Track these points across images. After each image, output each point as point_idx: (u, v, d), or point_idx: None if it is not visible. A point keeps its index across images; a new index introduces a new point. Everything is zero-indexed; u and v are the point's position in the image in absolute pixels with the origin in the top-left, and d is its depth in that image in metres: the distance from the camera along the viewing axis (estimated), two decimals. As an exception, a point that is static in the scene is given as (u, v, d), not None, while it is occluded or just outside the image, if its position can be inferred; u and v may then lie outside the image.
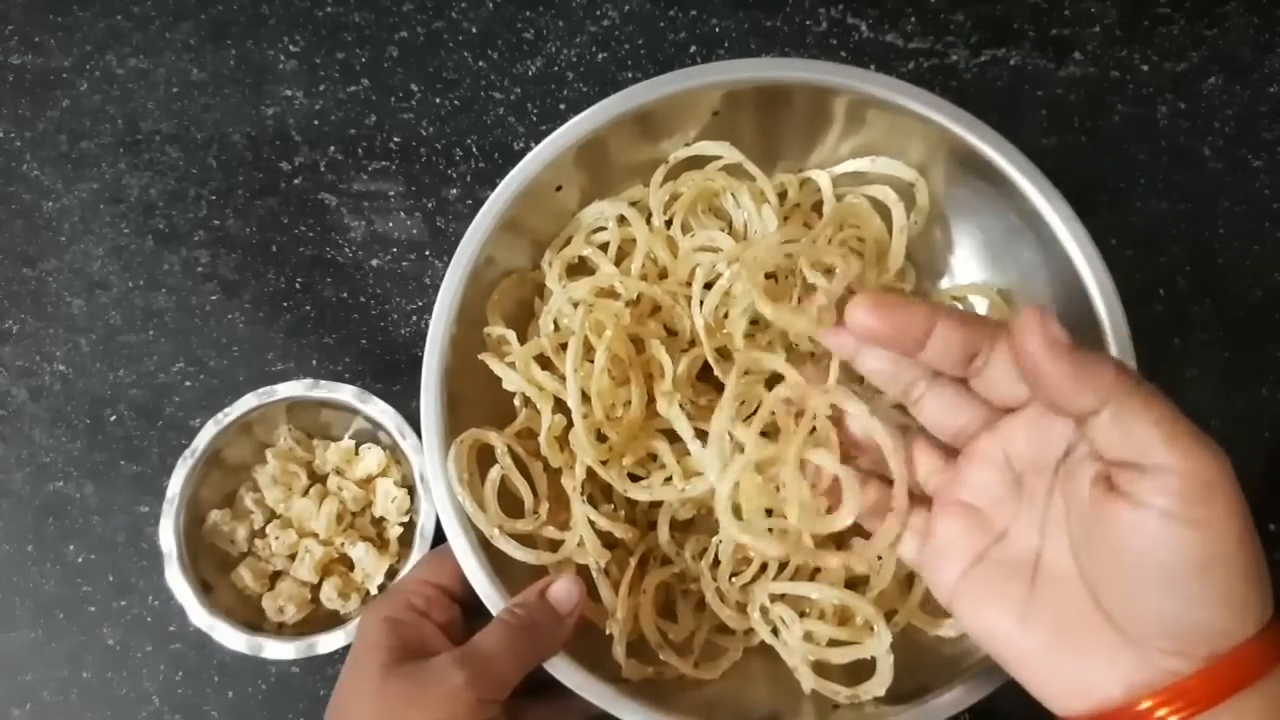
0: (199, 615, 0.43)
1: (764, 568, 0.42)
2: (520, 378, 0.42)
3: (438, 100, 0.55)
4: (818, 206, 0.46)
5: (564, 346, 0.42)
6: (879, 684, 0.38)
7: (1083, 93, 0.54)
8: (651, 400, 0.42)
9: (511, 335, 0.42)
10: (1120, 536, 0.25)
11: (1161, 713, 0.25)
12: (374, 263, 0.52)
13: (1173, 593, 0.25)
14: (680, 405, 0.40)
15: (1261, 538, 0.26)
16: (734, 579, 0.42)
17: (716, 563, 0.42)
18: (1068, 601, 0.27)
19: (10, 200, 0.54)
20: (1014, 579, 0.29)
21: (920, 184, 0.45)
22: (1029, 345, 0.26)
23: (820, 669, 0.38)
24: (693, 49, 0.55)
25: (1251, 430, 0.50)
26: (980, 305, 0.46)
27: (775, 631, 0.40)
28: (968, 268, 0.47)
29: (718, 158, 0.44)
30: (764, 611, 0.40)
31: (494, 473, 0.40)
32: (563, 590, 0.37)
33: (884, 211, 0.45)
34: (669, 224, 0.44)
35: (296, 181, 0.54)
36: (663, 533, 0.42)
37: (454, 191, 0.53)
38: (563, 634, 0.37)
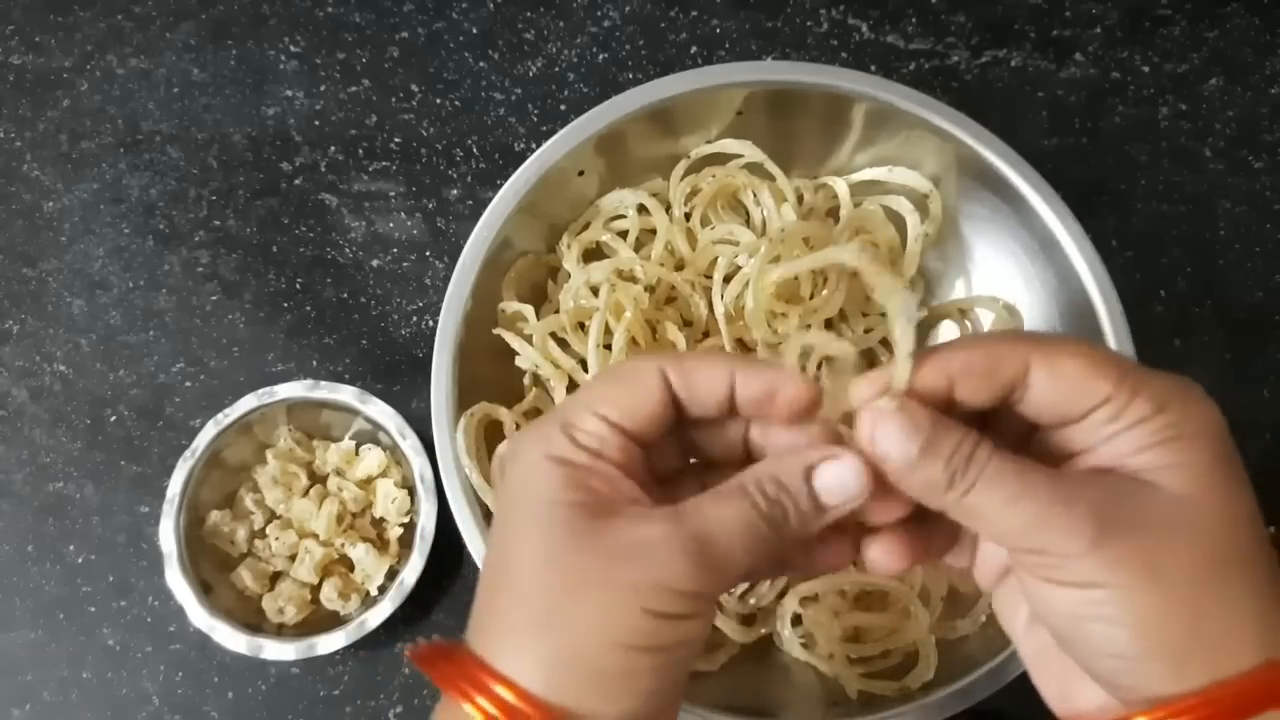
0: (199, 616, 0.43)
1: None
2: (537, 353, 0.42)
3: (438, 101, 0.55)
4: (832, 213, 0.47)
5: (581, 325, 0.42)
6: (925, 669, 0.38)
7: (1083, 94, 0.54)
8: None
9: (529, 310, 0.43)
10: (1025, 592, 0.25)
11: None
12: (374, 263, 0.52)
13: (1082, 649, 0.24)
14: None
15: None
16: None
17: None
18: None
19: (10, 200, 0.54)
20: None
21: (934, 195, 0.45)
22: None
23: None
24: (694, 50, 0.55)
25: (1253, 432, 0.50)
26: (986, 318, 0.46)
27: (805, 645, 0.40)
28: (975, 278, 0.47)
29: (738, 156, 0.45)
30: (795, 622, 0.40)
31: (502, 448, 0.40)
32: (835, 479, 0.25)
33: (897, 220, 0.46)
34: (688, 217, 0.45)
35: (297, 182, 0.54)
36: None
37: (454, 192, 0.53)
38: (816, 531, 0.26)
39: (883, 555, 0.27)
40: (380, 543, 0.47)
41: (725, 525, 0.25)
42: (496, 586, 0.25)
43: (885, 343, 0.45)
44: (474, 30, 0.56)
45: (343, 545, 0.46)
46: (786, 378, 0.26)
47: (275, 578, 0.47)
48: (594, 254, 0.45)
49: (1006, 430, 0.26)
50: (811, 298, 0.42)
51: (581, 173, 0.44)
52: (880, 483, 0.26)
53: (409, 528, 0.47)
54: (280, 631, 0.45)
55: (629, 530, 0.24)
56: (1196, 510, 0.23)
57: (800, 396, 0.26)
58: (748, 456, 0.28)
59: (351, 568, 0.47)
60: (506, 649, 0.24)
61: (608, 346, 0.40)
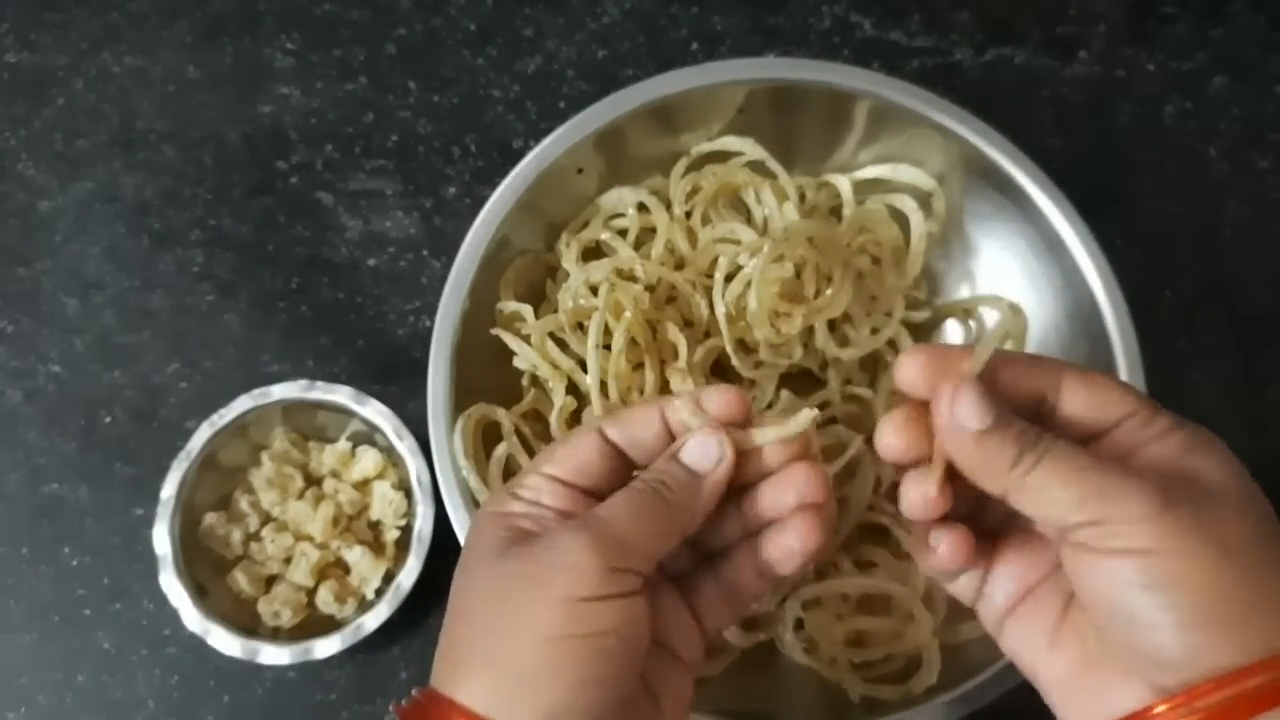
0: (194, 619, 0.43)
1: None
2: (535, 354, 0.41)
3: (436, 98, 0.54)
4: (835, 211, 0.46)
5: (580, 325, 0.41)
6: (929, 673, 0.38)
7: (1088, 92, 0.54)
8: (664, 388, 0.41)
9: (527, 310, 0.42)
10: (1077, 576, 0.26)
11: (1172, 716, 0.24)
12: (370, 262, 0.52)
13: (1139, 624, 0.25)
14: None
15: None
16: None
17: None
18: (1090, 628, 0.28)
19: (5, 199, 0.53)
20: (1051, 605, 0.29)
21: (938, 193, 0.44)
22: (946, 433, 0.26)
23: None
24: (694, 46, 0.55)
25: (1258, 433, 0.49)
26: (990, 317, 0.46)
27: (807, 649, 0.40)
28: (979, 278, 0.46)
29: (740, 153, 0.44)
30: (797, 627, 0.40)
31: (500, 450, 0.40)
32: (697, 449, 0.30)
33: (901, 219, 0.45)
34: (689, 215, 0.44)
35: (293, 180, 0.53)
36: None
37: (452, 190, 0.53)
38: (704, 500, 0.30)
39: (948, 549, 0.29)
40: (377, 546, 0.47)
41: (618, 506, 0.29)
42: (451, 622, 0.29)
43: (892, 343, 0.44)
44: (472, 27, 0.55)
45: (339, 548, 0.46)
46: (711, 390, 0.30)
47: (270, 581, 0.46)
48: (593, 253, 0.45)
49: None
50: (816, 297, 0.41)
51: (581, 170, 0.44)
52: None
53: (406, 530, 0.46)
54: (276, 635, 0.44)
55: (541, 541, 0.28)
56: (1244, 493, 0.25)
57: (726, 400, 0.30)
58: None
59: (348, 571, 0.46)
60: (459, 677, 0.27)
61: (607, 347, 0.40)
